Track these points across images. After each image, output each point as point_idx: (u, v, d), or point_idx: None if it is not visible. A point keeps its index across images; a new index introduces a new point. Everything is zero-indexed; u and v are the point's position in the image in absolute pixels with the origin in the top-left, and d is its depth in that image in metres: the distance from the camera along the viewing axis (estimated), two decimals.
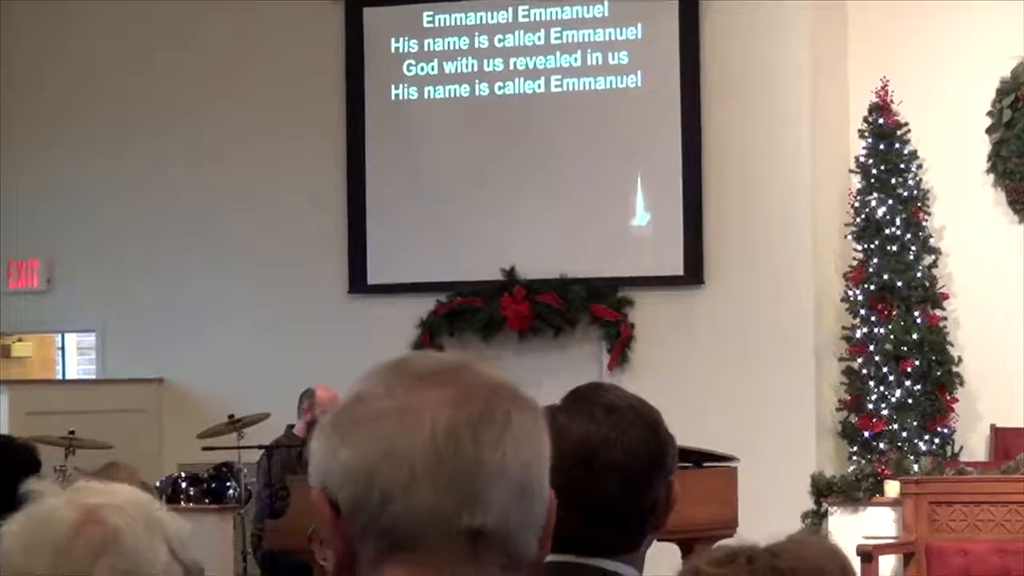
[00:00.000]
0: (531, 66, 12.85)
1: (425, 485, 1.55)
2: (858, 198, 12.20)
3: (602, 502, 2.70)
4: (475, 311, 12.84)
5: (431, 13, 13.05)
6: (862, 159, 12.24)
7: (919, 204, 12.18)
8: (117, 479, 4.92)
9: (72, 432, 11.03)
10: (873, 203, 12.12)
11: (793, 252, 12.22)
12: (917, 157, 12.24)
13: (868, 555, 9.80)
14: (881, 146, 12.18)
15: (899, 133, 12.22)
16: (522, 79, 12.86)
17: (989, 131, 12.26)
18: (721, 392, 12.12)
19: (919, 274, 12.03)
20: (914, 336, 11.89)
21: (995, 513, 10.10)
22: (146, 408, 13.33)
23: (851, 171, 12.36)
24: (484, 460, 1.55)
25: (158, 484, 10.62)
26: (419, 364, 1.63)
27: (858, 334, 12.05)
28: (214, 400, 12.66)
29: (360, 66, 13.20)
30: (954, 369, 11.98)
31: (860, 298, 12.06)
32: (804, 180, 12.27)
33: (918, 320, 11.95)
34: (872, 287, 12.01)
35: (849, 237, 12.26)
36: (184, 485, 11.15)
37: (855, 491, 10.78)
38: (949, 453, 11.74)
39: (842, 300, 12.23)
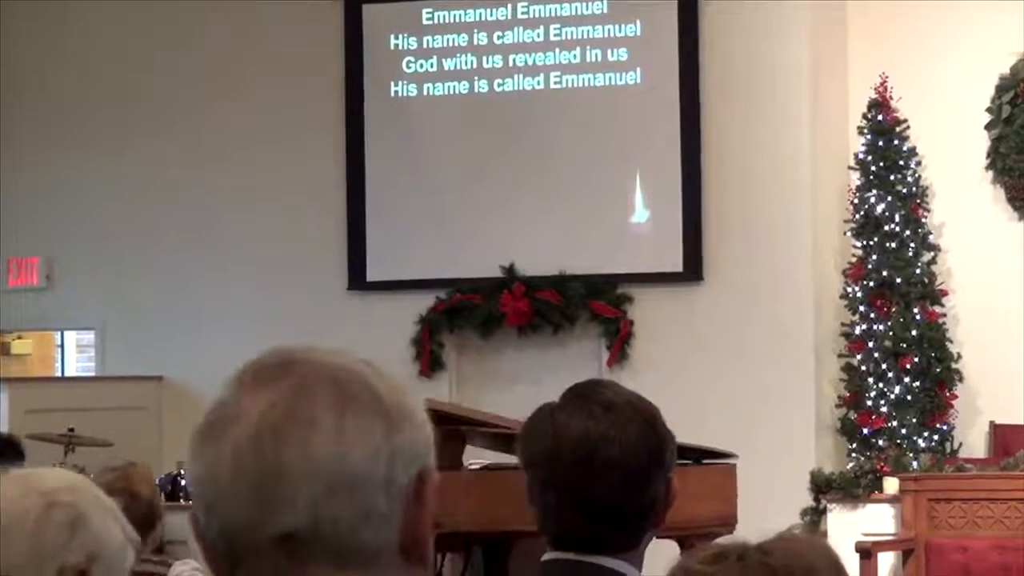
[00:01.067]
0: (530, 63, 12.85)
1: (231, 497, 1.52)
2: (857, 195, 12.20)
3: (601, 499, 2.70)
4: (474, 308, 12.84)
5: (430, 10, 13.05)
6: (861, 156, 12.24)
7: (918, 201, 12.18)
8: (136, 478, 4.96)
9: (71, 429, 11.03)
10: (872, 200, 12.12)
11: (792, 249, 12.22)
12: (916, 154, 12.24)
13: (867, 552, 9.80)
14: (880, 143, 12.18)
15: (898, 130, 12.22)
16: (521, 76, 12.86)
17: (988, 127, 12.26)
18: (720, 389, 12.12)
19: (918, 271, 12.04)
20: (913, 333, 11.89)
21: (994, 510, 10.10)
22: (146, 405, 13.33)
23: (850, 168, 12.36)
24: (286, 462, 1.50)
25: (157, 481, 10.62)
26: (254, 365, 1.59)
27: (857, 331, 12.05)
28: (213, 397, 12.64)
29: (359, 63, 13.20)
30: (953, 366, 11.98)
31: (859, 295, 12.06)
32: (803, 177, 12.28)
33: (917, 317, 11.96)
34: (871, 284, 12.02)
35: (848, 234, 12.26)
36: (183, 483, 11.15)
37: (854, 488, 10.78)
38: (948, 450, 11.75)
39: (841, 297, 12.23)
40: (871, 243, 12.07)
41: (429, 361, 12.89)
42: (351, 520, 1.51)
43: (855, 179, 12.27)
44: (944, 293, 12.11)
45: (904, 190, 12.12)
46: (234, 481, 1.52)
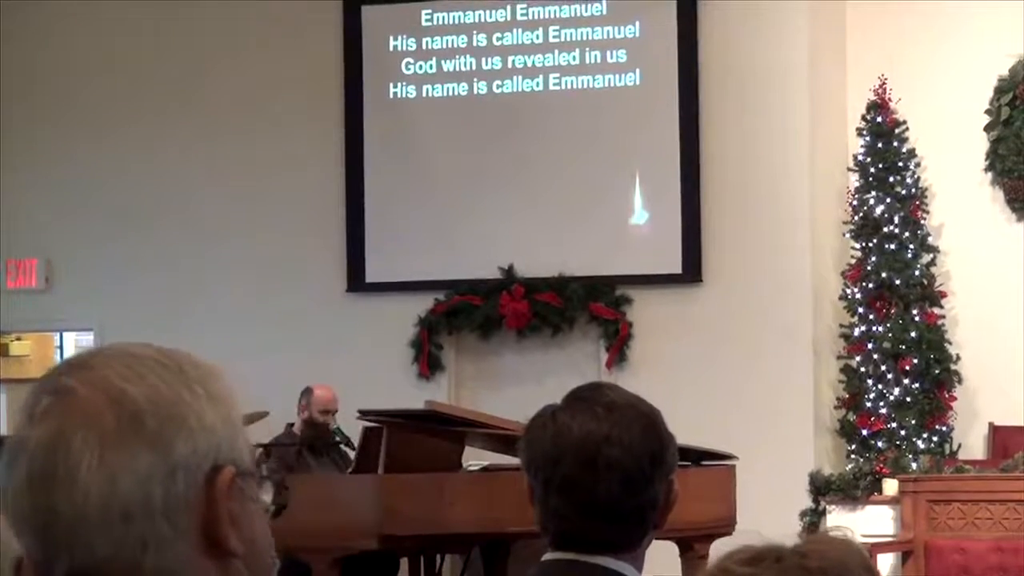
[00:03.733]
0: (529, 64, 12.85)
1: (21, 533, 1.55)
2: (856, 196, 12.21)
3: (603, 500, 2.70)
4: (473, 309, 12.84)
5: (429, 11, 13.05)
6: (860, 157, 12.25)
7: (917, 202, 12.18)
8: None
9: None
10: (871, 201, 12.13)
11: (791, 250, 12.22)
12: (915, 155, 12.24)
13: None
14: (879, 144, 12.19)
15: (897, 131, 12.22)
16: (520, 77, 12.87)
17: (987, 129, 12.27)
18: (719, 390, 12.13)
19: (917, 272, 12.04)
20: (912, 334, 11.89)
21: (993, 511, 10.11)
22: None
23: (849, 169, 12.36)
24: (57, 509, 1.52)
25: None
26: (37, 387, 1.60)
27: (856, 332, 12.05)
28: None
29: (358, 65, 13.20)
30: (952, 367, 11.99)
31: (858, 296, 12.07)
32: (802, 178, 12.28)
33: (916, 318, 11.96)
34: (870, 285, 12.02)
35: (847, 235, 12.26)
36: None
37: (853, 489, 10.78)
38: (947, 451, 11.75)
39: (840, 298, 12.24)
40: (870, 245, 12.07)
41: (428, 363, 12.89)
42: (132, 550, 1.53)
43: (854, 181, 12.28)
44: (943, 295, 12.12)
45: (903, 192, 12.13)
46: (20, 520, 1.55)
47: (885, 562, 10.37)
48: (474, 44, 12.95)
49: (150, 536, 1.53)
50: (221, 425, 1.59)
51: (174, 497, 1.54)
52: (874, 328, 11.97)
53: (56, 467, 1.53)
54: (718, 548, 8.15)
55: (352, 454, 9.82)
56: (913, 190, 12.18)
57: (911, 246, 12.08)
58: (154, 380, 1.57)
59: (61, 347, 14.73)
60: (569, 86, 12.76)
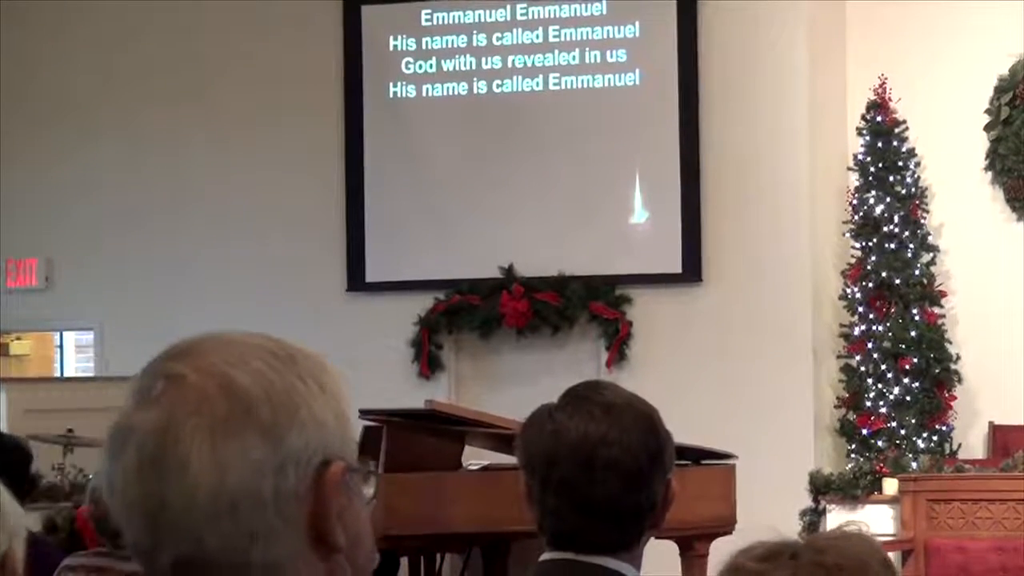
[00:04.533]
0: (529, 64, 12.85)
1: (127, 519, 1.54)
2: (856, 195, 12.21)
3: (600, 500, 2.70)
4: (473, 309, 12.84)
5: (429, 11, 13.05)
6: (860, 156, 12.24)
7: (917, 202, 12.18)
8: None
9: (71, 430, 11.02)
10: (871, 200, 12.13)
11: (791, 250, 12.22)
12: (915, 155, 12.24)
13: None
14: (879, 144, 12.19)
15: (897, 131, 12.22)
16: (520, 77, 12.86)
17: (987, 128, 12.27)
18: (719, 390, 12.13)
19: (917, 271, 12.04)
20: (912, 334, 11.89)
21: (993, 511, 10.11)
22: None
23: (849, 169, 12.36)
24: (166, 496, 1.50)
25: None
26: (146, 372, 1.58)
27: (856, 331, 12.05)
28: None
29: (358, 64, 13.20)
30: (952, 367, 11.99)
31: (858, 295, 12.07)
32: (802, 178, 12.28)
33: (916, 318, 11.96)
34: (870, 284, 12.02)
35: (847, 235, 12.26)
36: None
37: (853, 489, 10.78)
38: (947, 450, 11.75)
39: (840, 298, 12.24)
40: (870, 244, 12.07)
41: (428, 362, 12.89)
42: (240, 542, 1.51)
43: (854, 180, 12.28)
44: (943, 294, 12.12)
45: (903, 191, 12.13)
46: (126, 507, 1.53)
47: None
48: (474, 44, 12.95)
49: (259, 528, 1.51)
50: (332, 419, 1.58)
51: (284, 490, 1.52)
52: (874, 327, 11.97)
53: (166, 454, 1.51)
54: (718, 547, 8.15)
55: None
56: (913, 190, 12.18)
57: (911, 245, 12.08)
58: (265, 369, 1.56)
59: (61, 347, 14.73)
60: (569, 86, 12.76)
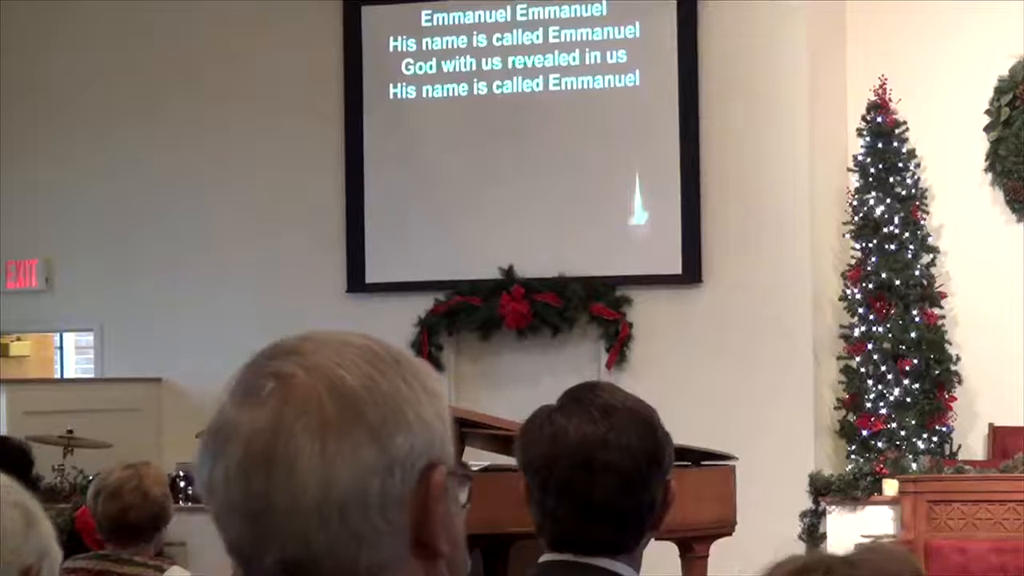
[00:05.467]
0: (529, 65, 12.85)
1: (228, 518, 1.51)
2: (856, 197, 12.21)
3: (600, 502, 2.70)
4: (473, 310, 12.84)
5: (429, 12, 13.05)
6: (860, 158, 12.24)
7: (917, 203, 12.18)
8: (149, 478, 4.92)
9: (71, 431, 11.03)
10: (871, 202, 12.12)
11: (791, 251, 12.22)
12: (915, 156, 12.24)
13: None
14: (879, 145, 12.19)
15: (897, 132, 12.22)
16: (520, 78, 12.87)
17: (987, 129, 12.27)
18: (719, 391, 12.13)
19: (917, 273, 12.04)
20: (912, 335, 11.89)
21: (993, 512, 10.11)
22: (144, 407, 13.33)
23: (849, 170, 12.36)
24: (272, 497, 1.48)
25: None
26: (247, 372, 1.56)
27: (856, 333, 12.05)
28: (212, 399, 12.51)
29: (358, 65, 13.20)
30: (952, 368, 11.98)
31: (858, 297, 12.07)
32: (802, 179, 12.28)
33: (916, 319, 11.96)
34: (870, 286, 12.02)
35: (847, 236, 12.26)
36: (182, 484, 11.15)
37: (853, 490, 10.78)
38: (947, 452, 11.75)
39: (840, 299, 12.23)
40: (870, 245, 12.07)
41: (428, 363, 12.87)
42: (347, 545, 1.49)
43: (854, 181, 12.28)
44: (943, 295, 12.12)
45: (903, 192, 12.13)
46: (228, 507, 1.51)
47: None
48: (474, 45, 12.95)
49: (365, 532, 1.49)
50: (437, 422, 1.55)
51: (390, 493, 1.50)
52: (874, 329, 11.97)
53: (275, 454, 1.48)
54: (719, 547, 8.15)
55: None
56: (913, 190, 12.18)
57: (911, 247, 12.08)
58: (372, 371, 1.54)
59: (61, 347, 14.73)
60: (569, 87, 12.76)
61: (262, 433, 1.50)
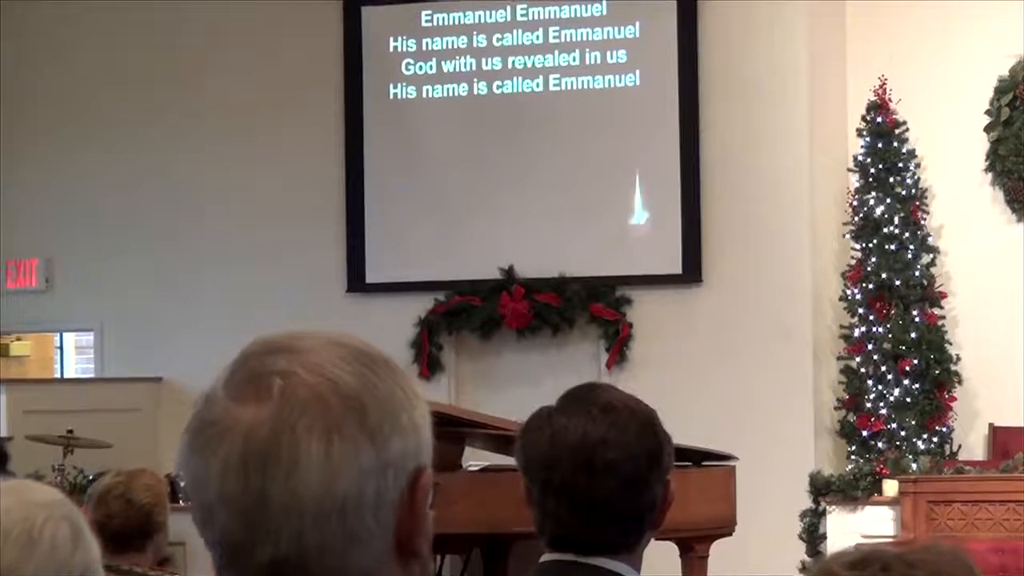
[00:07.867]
0: (529, 65, 12.85)
1: (220, 515, 1.51)
2: (856, 197, 12.20)
3: (600, 502, 2.70)
4: (473, 310, 12.84)
5: (429, 12, 13.05)
6: (860, 158, 12.24)
7: (917, 203, 12.18)
8: (137, 486, 4.90)
9: (70, 431, 11.02)
10: (871, 202, 12.12)
11: (791, 251, 12.22)
12: (915, 156, 12.24)
13: None
14: (879, 145, 12.18)
15: (897, 132, 12.22)
16: (520, 78, 12.86)
17: (987, 129, 12.26)
18: (719, 391, 12.12)
19: (917, 273, 12.04)
20: (912, 335, 11.89)
21: (993, 512, 10.10)
22: (144, 407, 13.33)
23: (849, 170, 12.36)
24: (270, 494, 1.48)
25: None
26: (240, 367, 1.55)
27: (856, 333, 12.05)
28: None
29: (358, 65, 13.20)
30: (952, 368, 11.98)
31: (858, 297, 12.06)
32: (802, 179, 12.28)
33: (916, 319, 11.95)
34: (870, 286, 12.01)
35: (847, 236, 12.26)
36: (182, 484, 11.13)
37: (853, 490, 10.77)
38: (947, 452, 11.74)
39: (840, 299, 12.23)
40: (870, 245, 12.07)
41: (428, 363, 12.89)
42: (340, 545, 1.50)
43: (854, 181, 12.27)
44: (943, 295, 12.11)
45: (903, 192, 12.12)
46: (222, 503, 1.51)
47: None
48: (474, 45, 12.95)
49: (359, 532, 1.51)
50: (424, 425, 1.58)
51: (384, 495, 1.52)
52: (874, 329, 11.96)
53: (277, 451, 1.49)
54: (719, 547, 8.15)
55: None
56: (913, 190, 12.17)
57: (911, 247, 12.07)
58: (369, 374, 1.54)
59: (61, 347, 14.73)
60: (569, 87, 12.76)
61: (263, 429, 1.50)
